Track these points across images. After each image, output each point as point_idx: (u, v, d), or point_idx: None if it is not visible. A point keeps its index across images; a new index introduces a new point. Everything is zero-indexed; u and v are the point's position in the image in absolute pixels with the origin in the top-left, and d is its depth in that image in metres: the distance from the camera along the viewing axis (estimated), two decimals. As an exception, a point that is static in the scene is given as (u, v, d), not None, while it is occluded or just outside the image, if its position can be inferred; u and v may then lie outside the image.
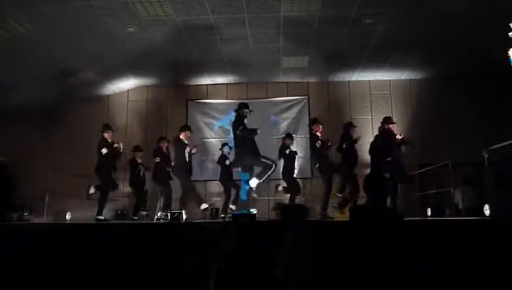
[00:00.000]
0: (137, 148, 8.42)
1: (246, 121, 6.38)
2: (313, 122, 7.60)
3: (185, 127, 7.74)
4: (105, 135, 7.47)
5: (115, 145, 7.55)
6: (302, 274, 3.34)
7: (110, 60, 8.53)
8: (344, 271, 3.34)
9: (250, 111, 6.47)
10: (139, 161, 8.31)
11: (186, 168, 7.46)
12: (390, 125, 7.20)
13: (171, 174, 7.79)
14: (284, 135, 8.27)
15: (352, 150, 7.34)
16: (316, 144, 7.23)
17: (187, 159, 7.46)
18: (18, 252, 4.26)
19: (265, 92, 10.17)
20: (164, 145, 7.90)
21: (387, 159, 6.76)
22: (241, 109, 6.42)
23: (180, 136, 7.55)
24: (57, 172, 7.19)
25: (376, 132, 7.85)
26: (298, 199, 7.97)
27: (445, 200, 7.56)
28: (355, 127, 7.60)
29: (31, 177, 8.04)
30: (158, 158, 7.73)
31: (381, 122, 7.38)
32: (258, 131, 6.32)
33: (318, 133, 7.34)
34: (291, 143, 7.96)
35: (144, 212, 8.02)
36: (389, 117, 7.42)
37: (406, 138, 7.37)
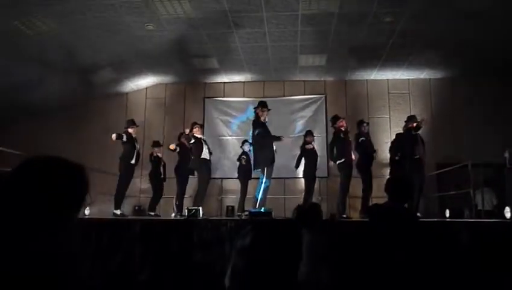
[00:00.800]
0: (156, 144, 8.52)
1: (265, 119, 6.40)
2: (336, 119, 7.40)
3: (194, 124, 7.71)
4: (130, 130, 7.51)
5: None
6: (322, 276, 3.32)
7: (129, 57, 8.63)
8: (360, 271, 3.32)
9: (269, 110, 6.48)
10: (160, 155, 8.43)
11: (206, 164, 7.50)
12: (414, 124, 7.05)
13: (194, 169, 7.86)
14: (303, 133, 8.20)
15: (369, 147, 7.26)
16: (341, 134, 7.07)
17: (206, 156, 7.49)
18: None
19: (283, 90, 10.15)
20: (185, 140, 7.98)
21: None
22: (260, 107, 6.44)
23: (194, 134, 7.57)
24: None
25: (394, 131, 7.74)
26: (314, 199, 7.93)
27: (464, 202, 7.44)
28: (366, 123, 7.52)
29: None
30: (178, 148, 7.87)
31: (406, 121, 7.25)
32: (280, 138, 6.53)
33: (343, 128, 7.18)
34: (313, 140, 7.91)
35: (152, 213, 8.08)
36: (413, 116, 7.28)
37: (421, 123, 7.05)
